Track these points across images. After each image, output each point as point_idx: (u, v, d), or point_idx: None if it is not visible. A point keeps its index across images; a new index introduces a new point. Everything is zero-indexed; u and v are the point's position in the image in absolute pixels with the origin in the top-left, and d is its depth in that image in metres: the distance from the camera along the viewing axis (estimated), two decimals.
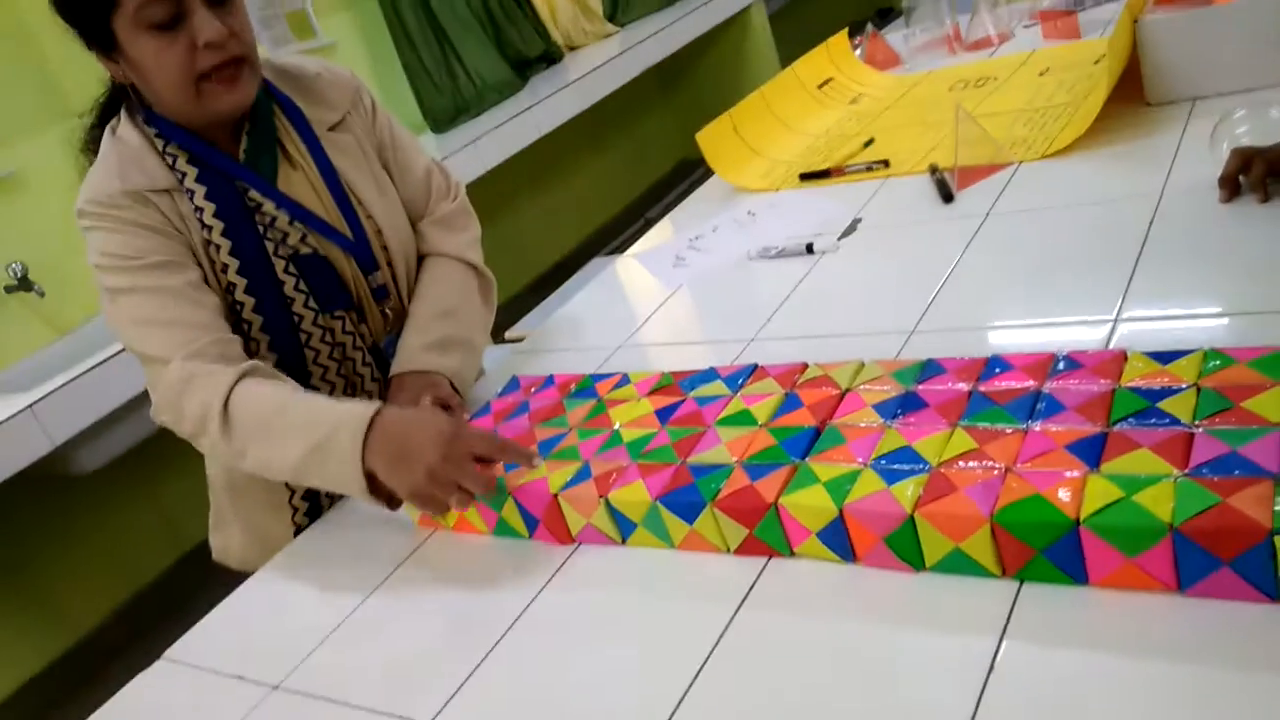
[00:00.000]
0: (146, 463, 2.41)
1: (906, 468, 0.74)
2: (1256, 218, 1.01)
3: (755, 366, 0.98)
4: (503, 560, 0.93)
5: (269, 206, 1.12)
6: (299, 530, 1.17)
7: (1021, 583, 0.67)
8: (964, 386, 0.82)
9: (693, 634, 0.74)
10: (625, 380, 1.05)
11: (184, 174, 1.09)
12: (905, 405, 0.82)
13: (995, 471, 0.70)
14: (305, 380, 1.17)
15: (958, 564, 0.70)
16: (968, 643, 0.64)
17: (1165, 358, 0.76)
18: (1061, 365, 0.80)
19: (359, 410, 0.97)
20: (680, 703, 0.68)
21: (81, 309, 2.46)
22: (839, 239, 1.32)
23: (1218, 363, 0.73)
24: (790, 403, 0.89)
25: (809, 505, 0.75)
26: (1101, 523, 0.63)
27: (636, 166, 4.47)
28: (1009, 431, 0.74)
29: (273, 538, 1.16)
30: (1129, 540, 0.62)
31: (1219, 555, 0.60)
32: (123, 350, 1.20)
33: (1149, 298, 0.94)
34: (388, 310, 1.23)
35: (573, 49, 4.08)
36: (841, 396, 0.87)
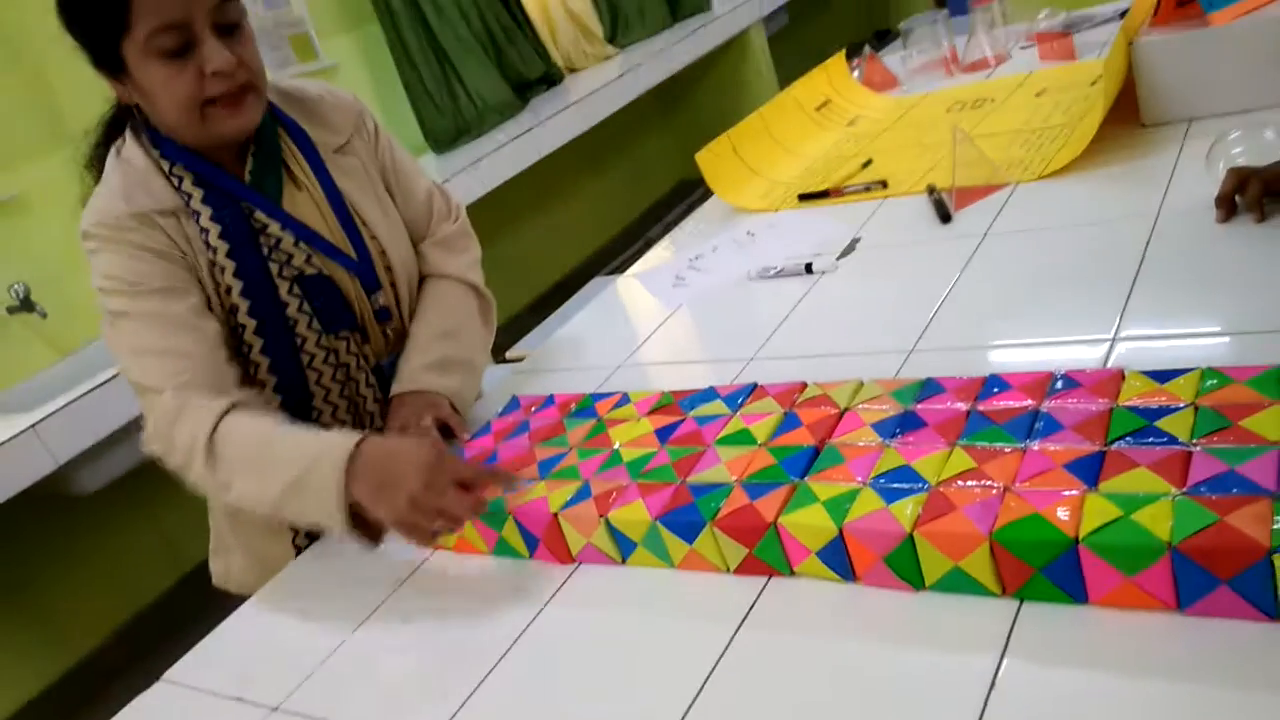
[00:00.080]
0: (147, 484, 2.40)
1: (905, 487, 0.74)
2: (1253, 237, 1.01)
3: (754, 386, 0.98)
4: (503, 580, 0.93)
5: (274, 228, 1.12)
6: (299, 554, 1.17)
7: (1021, 601, 0.68)
8: (962, 406, 0.82)
9: (693, 654, 0.74)
10: (625, 400, 1.05)
11: (190, 195, 1.10)
12: (904, 424, 0.83)
13: (994, 490, 0.70)
14: (308, 402, 1.17)
15: (957, 583, 0.70)
16: (968, 662, 0.64)
17: (1163, 377, 0.76)
18: (1059, 384, 0.80)
19: (341, 440, 0.97)
20: None
21: (84, 330, 2.46)
22: (838, 259, 1.33)
23: (1215, 381, 0.74)
24: (789, 422, 0.89)
25: (808, 524, 0.75)
26: (1100, 541, 0.63)
27: (636, 187, 4.49)
28: (1007, 451, 0.74)
29: (274, 562, 1.16)
30: (1128, 559, 0.62)
31: (1218, 574, 0.60)
32: None
33: (1146, 317, 0.94)
34: (389, 331, 1.23)
35: (573, 71, 4.10)
36: (840, 416, 0.87)
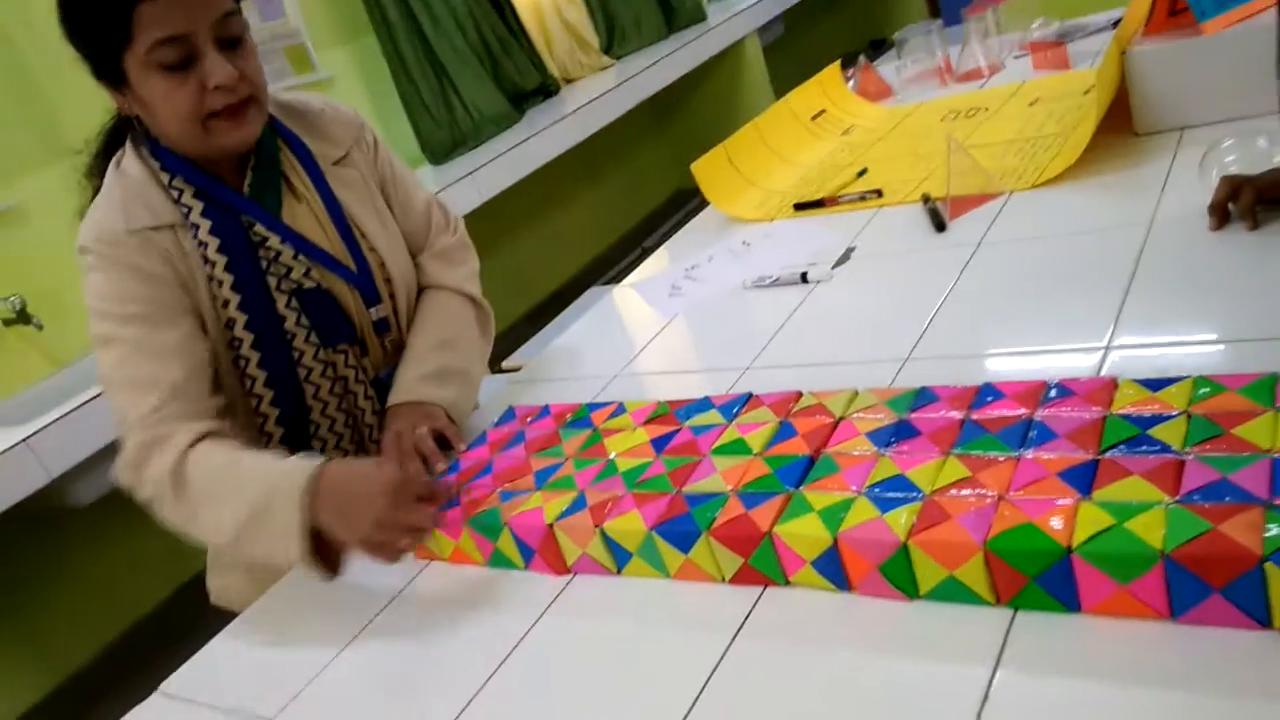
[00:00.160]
0: None
1: (900, 496, 0.74)
2: (1246, 245, 1.02)
3: (750, 395, 0.98)
4: (498, 591, 0.93)
5: (274, 241, 1.12)
6: None
7: (1015, 610, 0.68)
8: (956, 415, 0.82)
9: (688, 664, 0.74)
10: (621, 410, 1.05)
11: (189, 208, 1.10)
12: (898, 433, 0.83)
13: (988, 499, 0.70)
14: (305, 415, 1.17)
15: (951, 592, 0.70)
16: (962, 671, 0.64)
17: (1156, 385, 0.76)
18: (1053, 393, 0.80)
19: (303, 466, 0.97)
20: None
21: (79, 342, 2.46)
22: (833, 268, 1.33)
23: (1208, 390, 0.74)
24: (784, 431, 0.89)
25: (803, 534, 0.75)
26: (1093, 550, 0.63)
27: (632, 197, 4.49)
28: (1001, 459, 0.74)
29: (271, 580, 1.15)
30: (1121, 567, 0.62)
31: (1210, 582, 0.60)
32: None
33: (1140, 325, 0.94)
34: (388, 343, 1.24)
35: (569, 81, 4.12)
36: (835, 425, 0.88)
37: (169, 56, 1.01)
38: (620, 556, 0.87)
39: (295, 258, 1.13)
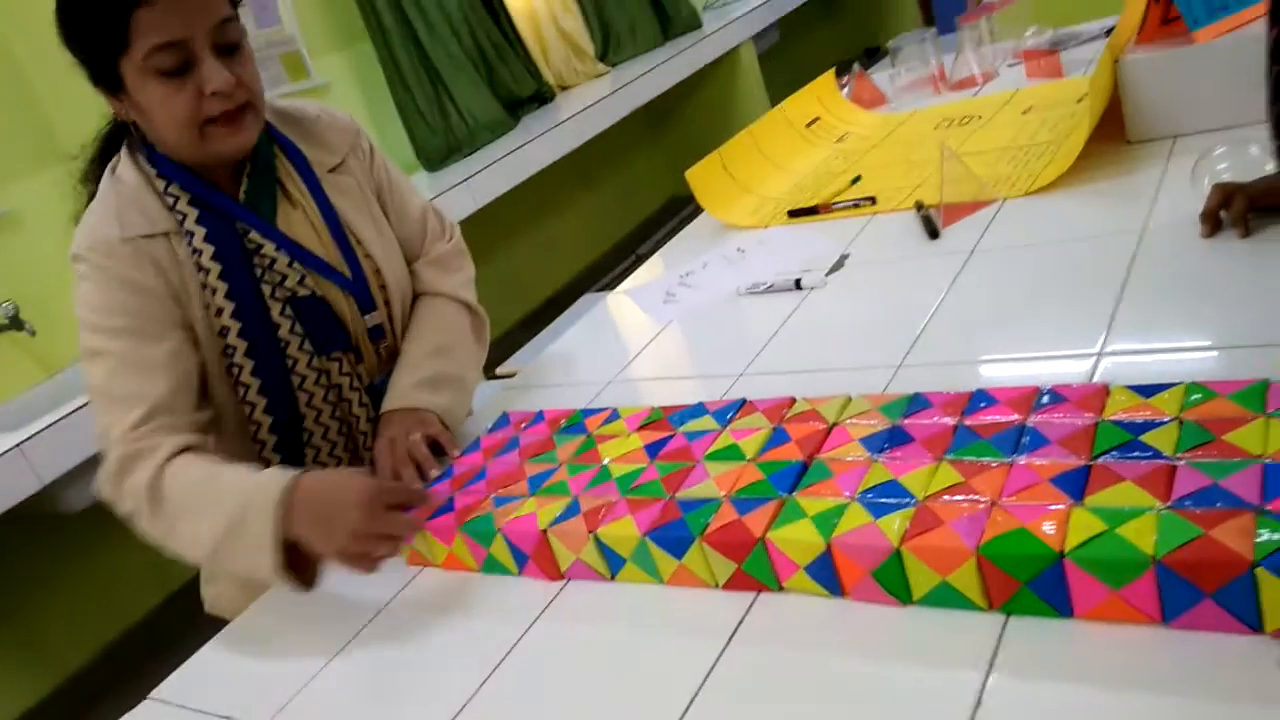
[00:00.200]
0: None
1: (893, 501, 0.74)
2: (1238, 252, 1.02)
3: (743, 401, 0.98)
4: (492, 596, 0.93)
5: (269, 248, 1.12)
6: None
7: (1008, 616, 0.68)
8: (949, 421, 0.82)
9: (682, 669, 0.74)
10: (615, 416, 1.06)
11: (184, 215, 1.09)
12: (892, 439, 0.83)
13: (981, 505, 0.71)
14: (299, 423, 1.17)
15: (945, 597, 0.70)
16: (955, 676, 0.64)
17: (1148, 391, 0.77)
18: (1045, 399, 0.80)
19: (277, 478, 0.97)
20: None
21: (72, 349, 2.43)
22: (827, 274, 1.33)
23: (1199, 396, 0.74)
24: (778, 437, 0.89)
25: (797, 539, 0.75)
26: (1085, 555, 0.63)
27: (627, 204, 4.50)
28: (994, 465, 0.75)
29: (266, 586, 1.15)
30: (1113, 572, 0.63)
31: (1202, 587, 0.60)
32: None
33: (1132, 332, 0.95)
34: (383, 350, 1.23)
35: (564, 88, 4.12)
36: (829, 431, 0.88)
37: (166, 62, 1.01)
38: (614, 562, 0.87)
39: (290, 265, 1.13)
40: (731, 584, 0.80)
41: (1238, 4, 1.29)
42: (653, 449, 0.96)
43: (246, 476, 1.00)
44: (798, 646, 0.73)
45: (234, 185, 1.13)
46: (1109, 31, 1.81)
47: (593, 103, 3.53)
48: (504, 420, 1.16)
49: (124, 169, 1.11)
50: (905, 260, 1.31)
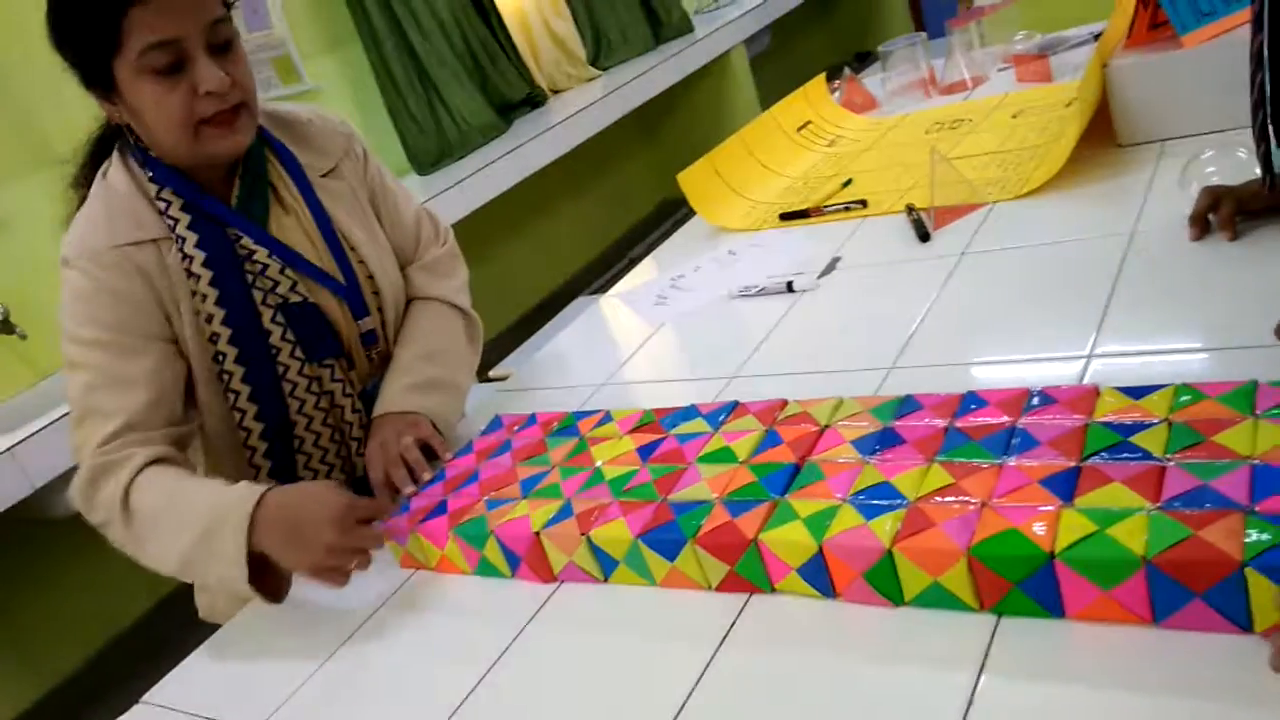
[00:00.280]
0: None
1: (884, 503, 0.75)
2: (1226, 255, 1.03)
3: (735, 404, 0.99)
4: (484, 599, 0.93)
5: (261, 254, 1.12)
6: None
7: (999, 616, 0.68)
8: (940, 422, 0.83)
9: (675, 671, 0.74)
10: (607, 418, 1.06)
11: (175, 220, 1.09)
12: (883, 441, 0.83)
13: (971, 506, 0.71)
14: (289, 431, 1.16)
15: (936, 598, 0.70)
16: (947, 676, 0.65)
17: (1137, 393, 0.77)
18: (1036, 401, 0.81)
19: (245, 493, 0.97)
20: None
21: (55, 354, 2.44)
22: (818, 277, 1.34)
23: (1189, 398, 0.75)
24: (770, 439, 0.90)
25: (789, 541, 0.75)
26: (1076, 556, 0.64)
27: (619, 207, 4.50)
28: (985, 466, 0.75)
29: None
30: (1103, 573, 0.63)
31: (1192, 587, 0.60)
32: None
33: (1122, 334, 0.95)
34: (375, 355, 1.23)
35: (556, 92, 4.12)
36: (820, 433, 0.88)
37: (160, 61, 1.00)
38: (606, 565, 0.87)
39: (282, 272, 1.13)
40: (724, 586, 0.81)
41: (1224, 9, 1.30)
42: (645, 451, 0.96)
43: (215, 491, 1.00)
44: (790, 648, 0.73)
45: (226, 190, 1.13)
46: (1098, 36, 1.83)
47: (584, 106, 3.53)
48: (497, 423, 1.16)
49: (115, 174, 1.11)
50: (896, 263, 1.31)
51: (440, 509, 1.00)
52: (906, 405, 0.87)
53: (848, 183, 1.65)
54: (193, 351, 1.11)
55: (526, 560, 0.91)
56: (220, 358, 1.11)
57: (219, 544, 0.96)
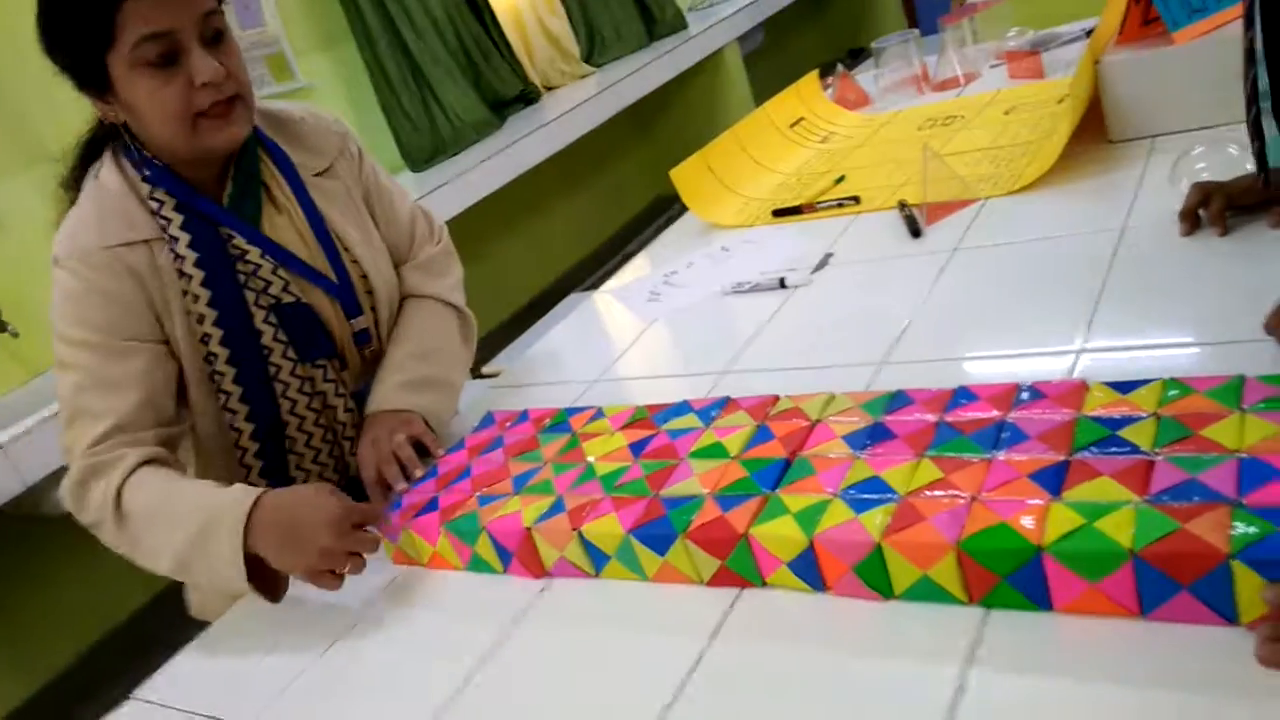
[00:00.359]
0: None
1: (875, 497, 0.75)
2: (1215, 251, 1.03)
3: (727, 399, 0.99)
4: (476, 594, 0.93)
5: (253, 254, 1.11)
6: None
7: (988, 609, 0.68)
8: (931, 417, 0.83)
9: (666, 665, 0.74)
10: (599, 414, 1.06)
11: (168, 220, 1.09)
12: (874, 436, 0.83)
13: (961, 500, 0.71)
14: (281, 432, 1.16)
15: (926, 591, 0.70)
16: (936, 669, 0.65)
17: (1126, 387, 0.78)
18: (1025, 395, 0.81)
19: (240, 495, 0.97)
20: None
21: (47, 352, 2.44)
22: (811, 273, 1.34)
23: (1176, 392, 0.75)
24: (762, 434, 0.90)
25: (779, 535, 0.76)
26: (1064, 549, 0.64)
27: (613, 204, 4.50)
28: (974, 461, 0.75)
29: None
30: (1091, 566, 0.63)
31: (1179, 580, 0.61)
32: None
33: (1111, 329, 0.95)
34: (368, 355, 1.23)
35: (550, 89, 4.12)
36: (812, 428, 0.88)
37: (154, 53, 1.00)
38: (598, 559, 0.87)
39: (274, 272, 1.12)
40: (715, 580, 0.81)
41: (1215, 5, 1.31)
42: (637, 447, 0.96)
43: (209, 493, 1.00)
44: (781, 641, 0.73)
45: (219, 189, 1.13)
46: (1090, 33, 1.83)
47: (578, 103, 3.53)
48: (489, 419, 1.16)
49: (107, 174, 1.10)
50: (888, 259, 1.31)
51: (432, 505, 1.00)
52: (897, 400, 0.87)
53: (840, 179, 1.66)
54: (184, 352, 1.10)
55: (518, 556, 0.91)
56: (212, 358, 1.11)
57: (214, 545, 0.95)
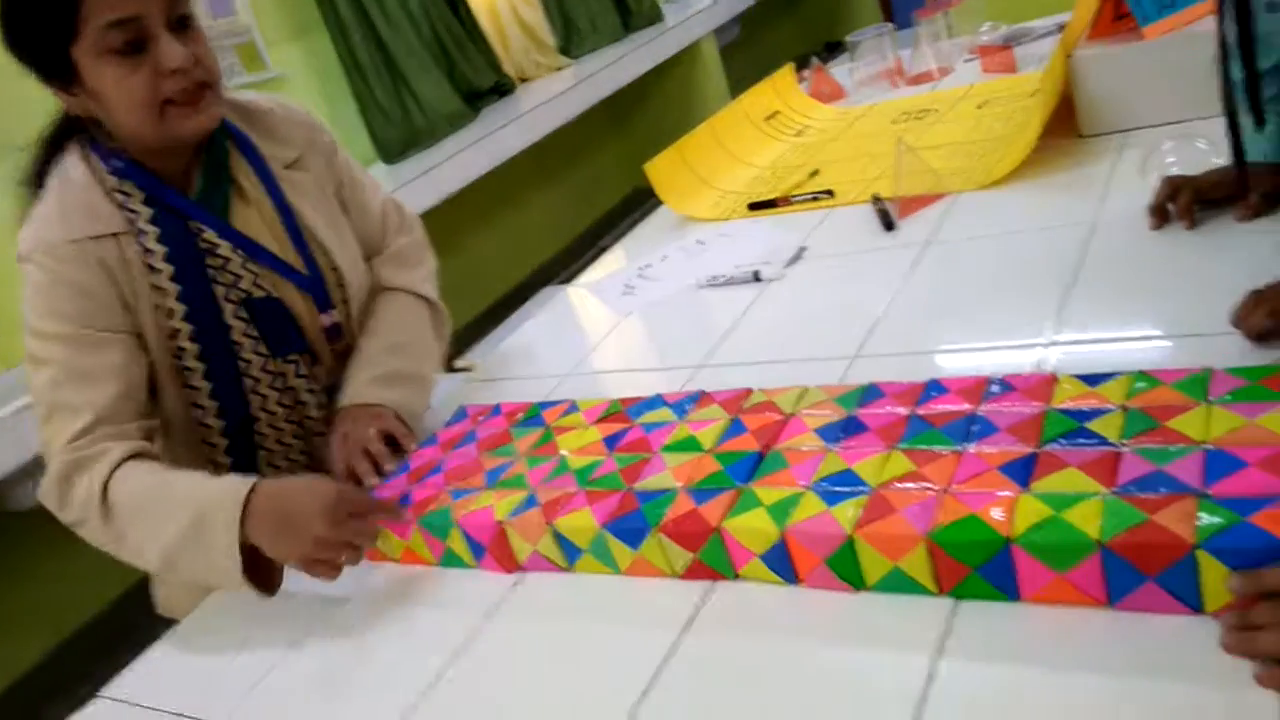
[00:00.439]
0: None
1: (847, 490, 0.75)
2: (1184, 244, 1.04)
3: (701, 393, 0.99)
4: (449, 589, 0.92)
5: (224, 248, 1.10)
6: None
7: (958, 600, 0.69)
8: (903, 410, 0.83)
9: (639, 657, 0.74)
10: (573, 408, 1.06)
11: (136, 214, 1.07)
12: (846, 429, 0.84)
13: (931, 492, 0.72)
14: (250, 427, 1.15)
15: (896, 583, 0.71)
16: (907, 659, 0.65)
17: (1094, 380, 0.78)
18: (995, 388, 0.81)
19: (235, 485, 0.96)
20: None
21: (20, 346, 2.40)
22: (785, 267, 1.34)
23: (1144, 384, 0.76)
24: (735, 428, 0.90)
25: (752, 528, 0.76)
26: (1033, 540, 0.64)
27: (588, 197, 4.50)
28: (945, 453, 0.76)
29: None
30: (1059, 557, 0.64)
31: (1145, 570, 0.61)
32: None
33: (1081, 322, 0.96)
34: (339, 348, 1.22)
35: (525, 81, 4.11)
36: (785, 421, 0.88)
37: (119, 40, 0.98)
38: (571, 553, 0.87)
39: (244, 265, 1.11)
40: (688, 573, 0.81)
41: (1186, 1, 1.32)
42: (611, 441, 0.96)
43: (201, 484, 0.98)
44: (753, 633, 0.73)
45: (186, 181, 1.11)
46: (1062, 27, 1.84)
47: (554, 95, 3.52)
48: (461, 413, 1.15)
49: (72, 168, 1.08)
50: (862, 252, 1.32)
51: (404, 500, 1.00)
52: (870, 393, 0.88)
53: (815, 173, 1.66)
54: (153, 346, 1.09)
55: (491, 550, 0.91)
56: (181, 353, 1.09)
57: (210, 535, 0.94)
